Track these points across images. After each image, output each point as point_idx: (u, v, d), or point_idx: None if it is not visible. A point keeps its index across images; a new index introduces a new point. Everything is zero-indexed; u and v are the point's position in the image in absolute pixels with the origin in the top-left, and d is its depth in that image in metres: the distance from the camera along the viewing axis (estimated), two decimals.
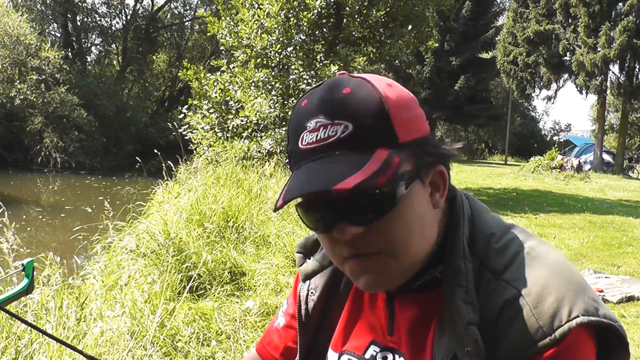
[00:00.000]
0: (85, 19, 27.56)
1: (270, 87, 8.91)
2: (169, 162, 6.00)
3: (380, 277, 0.66)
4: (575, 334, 0.60)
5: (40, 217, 10.29)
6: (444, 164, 0.69)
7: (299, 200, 0.66)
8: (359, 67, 8.50)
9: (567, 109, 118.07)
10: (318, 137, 0.62)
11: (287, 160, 0.69)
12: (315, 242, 0.87)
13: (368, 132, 0.61)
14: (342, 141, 0.61)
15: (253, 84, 9.05)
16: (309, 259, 0.86)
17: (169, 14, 31.23)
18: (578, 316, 0.60)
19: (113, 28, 28.86)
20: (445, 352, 0.65)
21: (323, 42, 9.49)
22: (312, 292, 0.85)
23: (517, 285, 0.63)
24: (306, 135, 0.63)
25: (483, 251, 0.67)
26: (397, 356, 0.72)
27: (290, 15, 8.79)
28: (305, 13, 8.66)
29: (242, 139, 8.52)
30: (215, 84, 9.32)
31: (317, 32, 9.35)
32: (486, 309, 0.63)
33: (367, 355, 0.75)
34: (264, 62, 9.21)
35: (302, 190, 0.60)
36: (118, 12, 28.72)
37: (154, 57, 29.80)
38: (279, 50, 9.01)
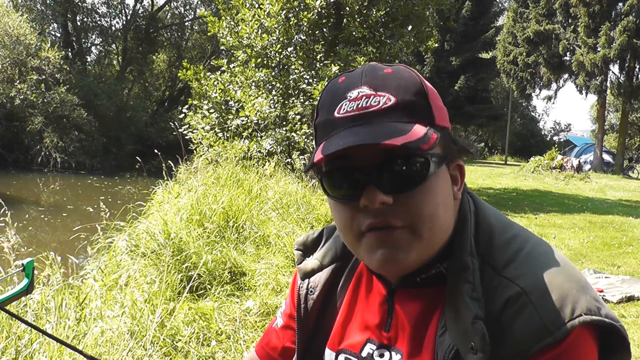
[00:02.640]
0: (85, 19, 27.54)
1: (270, 87, 8.91)
2: (169, 162, 5.99)
3: (399, 253, 0.64)
4: (578, 332, 0.59)
5: (42, 216, 10.29)
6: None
7: (325, 169, 0.66)
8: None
9: (567, 109, 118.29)
10: (359, 106, 0.63)
11: (313, 134, 0.69)
12: (315, 240, 0.86)
13: (409, 106, 0.63)
14: (384, 110, 0.62)
15: (253, 84, 9.04)
16: (309, 257, 0.86)
17: (169, 14, 31.19)
18: (581, 315, 0.60)
19: (113, 28, 28.84)
20: (448, 347, 0.64)
21: (323, 42, 9.47)
22: (311, 291, 0.84)
23: (520, 283, 0.63)
24: (345, 104, 0.64)
25: (485, 248, 0.67)
26: (394, 353, 0.72)
27: (290, 15, 8.78)
28: (306, 13, 8.65)
29: (242, 139, 8.51)
30: (215, 83, 9.31)
31: (317, 32, 9.34)
32: (489, 305, 0.63)
33: (364, 354, 0.75)
34: (264, 62, 9.20)
35: (348, 144, 0.59)
36: (118, 12, 28.72)
37: (154, 57, 29.74)
38: (279, 50, 9.00)
